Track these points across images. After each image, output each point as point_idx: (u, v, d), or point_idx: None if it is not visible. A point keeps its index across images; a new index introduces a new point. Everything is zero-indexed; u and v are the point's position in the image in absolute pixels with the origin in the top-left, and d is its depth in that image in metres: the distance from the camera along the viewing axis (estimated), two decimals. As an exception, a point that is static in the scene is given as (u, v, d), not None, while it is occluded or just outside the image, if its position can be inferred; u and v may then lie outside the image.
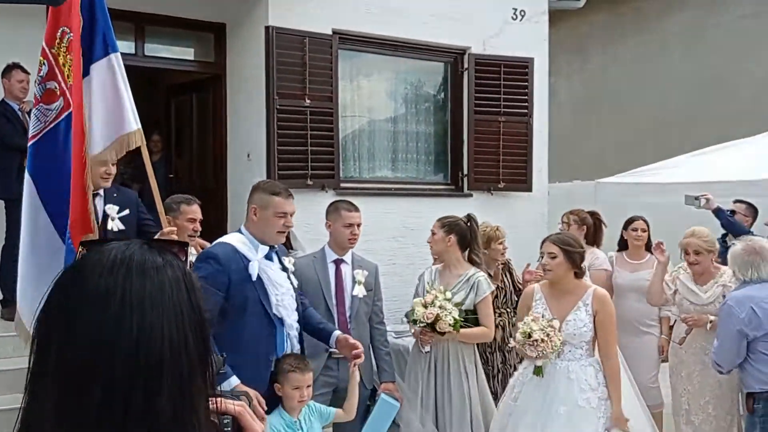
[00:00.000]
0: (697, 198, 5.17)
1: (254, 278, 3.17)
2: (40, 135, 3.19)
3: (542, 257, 3.80)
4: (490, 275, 4.85)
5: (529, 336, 3.56)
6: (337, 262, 4.13)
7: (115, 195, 4.03)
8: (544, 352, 3.57)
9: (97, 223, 3.98)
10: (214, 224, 6.49)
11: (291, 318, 3.29)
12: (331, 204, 4.26)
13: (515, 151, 6.94)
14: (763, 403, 3.69)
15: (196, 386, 0.88)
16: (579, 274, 3.82)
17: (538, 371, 3.68)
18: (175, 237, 3.50)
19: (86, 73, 3.24)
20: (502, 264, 5.00)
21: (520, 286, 4.94)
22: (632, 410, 3.76)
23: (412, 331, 4.15)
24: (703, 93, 9.72)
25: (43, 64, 3.20)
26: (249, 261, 3.20)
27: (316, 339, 3.55)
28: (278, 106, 5.75)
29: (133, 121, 3.34)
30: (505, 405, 3.86)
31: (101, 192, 4.03)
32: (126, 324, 0.83)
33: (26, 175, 3.29)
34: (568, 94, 11.79)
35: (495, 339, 4.67)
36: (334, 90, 6.06)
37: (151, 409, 0.83)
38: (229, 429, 1.03)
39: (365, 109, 6.70)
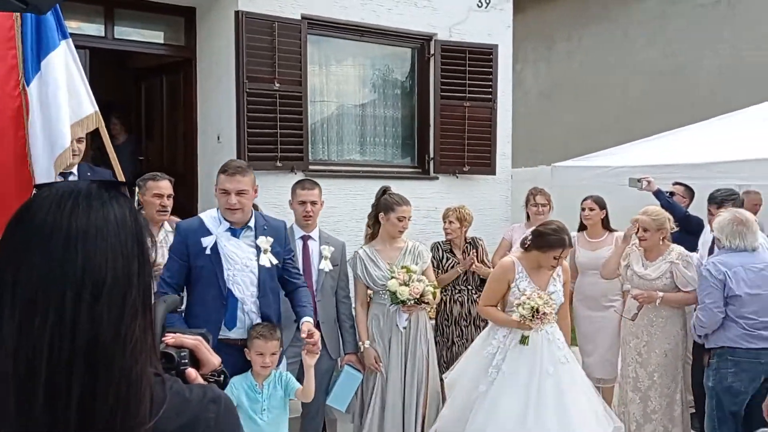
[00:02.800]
0: (639, 180, 5.43)
1: (207, 251, 3.38)
2: None
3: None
4: (453, 253, 5.07)
5: (537, 311, 3.85)
6: (304, 239, 4.30)
7: (89, 174, 4.12)
8: (549, 322, 3.95)
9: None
10: (185, 205, 6.60)
11: (244, 293, 3.47)
12: (294, 183, 4.42)
13: (480, 135, 7.14)
14: (716, 357, 4.15)
15: (136, 312, 0.94)
16: None
17: (524, 340, 3.99)
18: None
19: (36, 68, 3.21)
20: (467, 242, 5.21)
21: (486, 264, 5.17)
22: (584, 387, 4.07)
23: (394, 310, 4.27)
24: (666, 80, 10.00)
25: None
26: (209, 234, 3.43)
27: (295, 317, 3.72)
28: (248, 90, 5.87)
29: (89, 104, 3.39)
30: (481, 374, 4.07)
31: (74, 171, 4.12)
32: (71, 254, 0.90)
33: None
34: (534, 81, 12.02)
35: (452, 312, 4.89)
36: (303, 74, 6.18)
37: (94, 330, 0.90)
38: (186, 361, 1.09)
39: (334, 94, 6.83)
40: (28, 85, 3.17)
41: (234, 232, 3.53)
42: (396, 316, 4.28)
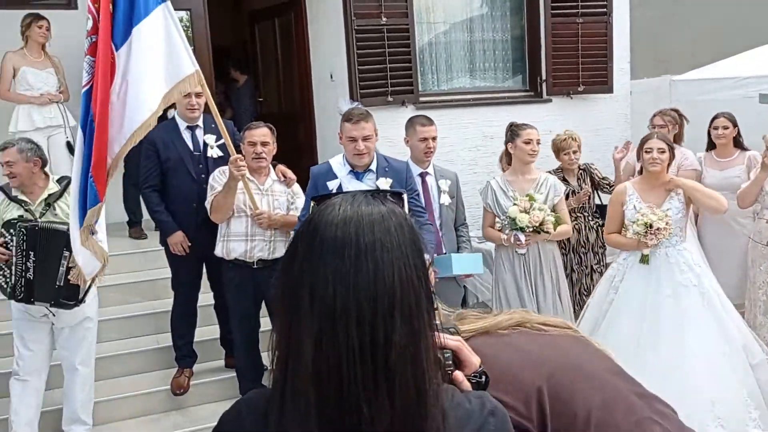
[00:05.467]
0: None
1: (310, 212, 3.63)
2: (89, 84, 3.35)
3: (646, 153, 4.04)
4: (567, 181, 5.03)
5: (650, 226, 3.87)
6: (422, 175, 4.41)
7: (213, 126, 4.42)
8: (665, 238, 3.92)
9: (199, 151, 4.44)
10: (304, 143, 6.91)
11: None
12: (408, 120, 4.52)
13: (595, 52, 6.86)
14: None
15: (423, 320, 0.94)
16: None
17: (645, 259, 4.02)
18: (241, 164, 3.79)
19: (126, 36, 3.35)
20: (581, 170, 5.14)
21: (604, 190, 5.10)
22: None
23: (506, 237, 4.36)
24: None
25: (89, 18, 3.36)
26: (335, 178, 3.67)
27: None
28: (356, 27, 5.95)
29: (190, 65, 3.51)
30: (603, 295, 4.17)
31: (200, 123, 4.44)
32: (363, 267, 0.92)
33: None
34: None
35: (569, 240, 4.90)
36: (409, 6, 6.17)
37: (389, 341, 0.90)
38: (451, 363, 1.06)
39: (441, 22, 6.76)
40: (117, 51, 3.35)
41: (357, 175, 3.80)
42: (514, 242, 4.36)
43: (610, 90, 6.98)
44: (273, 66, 7.57)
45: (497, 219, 4.47)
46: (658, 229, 3.87)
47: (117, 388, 4.52)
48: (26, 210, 3.85)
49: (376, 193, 1.01)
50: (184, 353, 4.56)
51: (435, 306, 0.98)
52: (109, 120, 3.32)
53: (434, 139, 4.40)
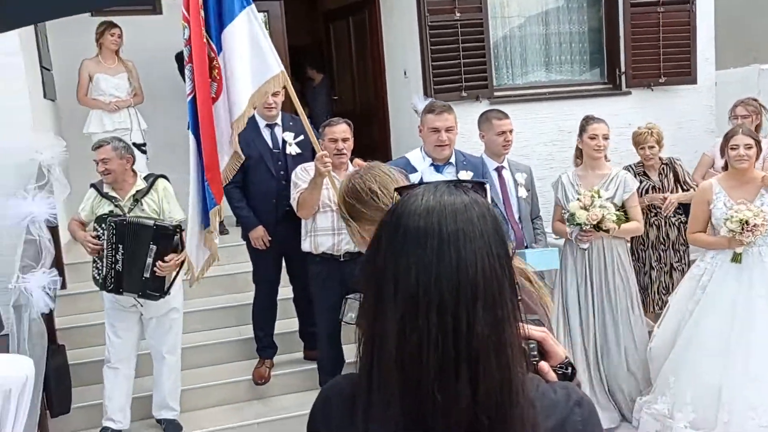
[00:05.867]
0: None
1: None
2: (192, 93, 3.41)
3: (732, 149, 3.90)
4: (647, 175, 4.90)
5: (746, 223, 3.74)
6: (498, 170, 4.39)
7: (291, 123, 4.53)
8: (762, 235, 3.77)
9: (278, 148, 4.56)
10: (379, 141, 6.98)
11: None
12: (482, 114, 4.48)
13: (677, 41, 6.64)
14: None
15: (507, 310, 0.94)
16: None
17: (737, 258, 3.88)
18: (327, 160, 3.83)
19: (220, 29, 3.42)
20: (663, 164, 4.99)
21: (687, 186, 4.93)
22: None
23: (570, 231, 4.34)
24: None
25: (185, 27, 3.41)
26: (415, 171, 3.71)
27: None
28: (430, 23, 5.97)
29: (276, 65, 3.54)
30: (688, 294, 4.05)
31: (278, 121, 4.56)
32: (445, 257, 0.93)
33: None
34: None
35: (648, 237, 4.77)
36: (483, 0, 6.14)
37: (471, 330, 0.91)
38: (536, 354, 1.05)
39: (515, 15, 6.69)
40: (218, 56, 3.42)
41: (437, 168, 3.83)
42: (575, 237, 4.33)
43: (693, 81, 6.73)
44: (347, 64, 7.68)
45: (564, 213, 4.43)
46: (755, 225, 3.72)
47: (202, 377, 4.70)
48: (116, 205, 4.05)
49: (459, 183, 1.02)
50: (265, 344, 4.70)
51: (519, 296, 0.97)
52: (215, 124, 3.42)
53: (511, 131, 4.37)
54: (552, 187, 4.66)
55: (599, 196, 4.19)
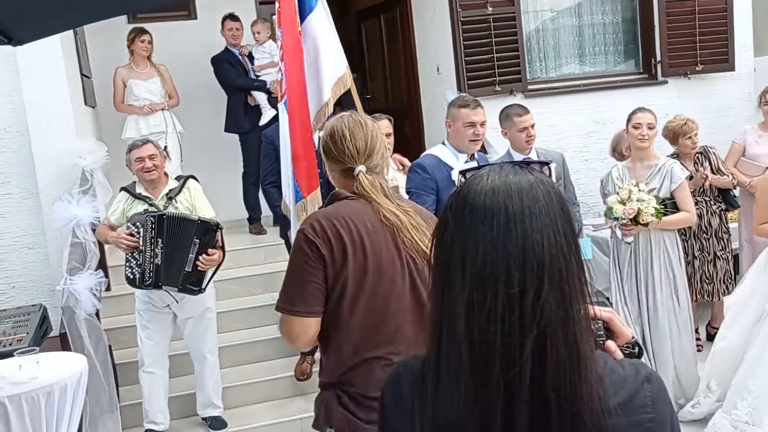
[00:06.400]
0: None
1: (458, 184, 3.58)
2: (285, 97, 3.33)
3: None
4: (684, 165, 4.82)
5: None
6: (527, 161, 4.36)
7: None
8: None
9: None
10: (412, 137, 7.00)
11: None
12: (502, 111, 4.35)
13: (713, 28, 6.52)
14: None
15: (574, 286, 0.96)
16: None
17: None
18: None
19: (301, 20, 3.33)
20: (698, 153, 4.92)
21: (721, 173, 4.85)
22: None
23: (611, 225, 4.26)
24: None
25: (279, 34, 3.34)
26: (452, 168, 3.65)
27: None
28: (462, 18, 5.96)
29: (342, 63, 3.46)
30: (762, 291, 3.79)
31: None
32: (512, 235, 0.95)
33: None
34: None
35: (690, 227, 4.68)
36: (515, -7, 6.12)
37: (538, 306, 0.93)
38: (602, 333, 1.06)
39: (548, 7, 6.64)
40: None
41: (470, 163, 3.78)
42: (618, 231, 4.24)
43: (731, 68, 6.61)
44: (380, 63, 7.71)
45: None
46: None
47: (244, 375, 4.77)
48: (150, 204, 4.09)
49: (523, 164, 1.04)
50: (306, 341, 4.73)
51: (587, 275, 0.98)
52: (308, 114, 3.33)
53: (533, 126, 4.31)
54: (600, 181, 4.55)
55: (639, 189, 4.11)
